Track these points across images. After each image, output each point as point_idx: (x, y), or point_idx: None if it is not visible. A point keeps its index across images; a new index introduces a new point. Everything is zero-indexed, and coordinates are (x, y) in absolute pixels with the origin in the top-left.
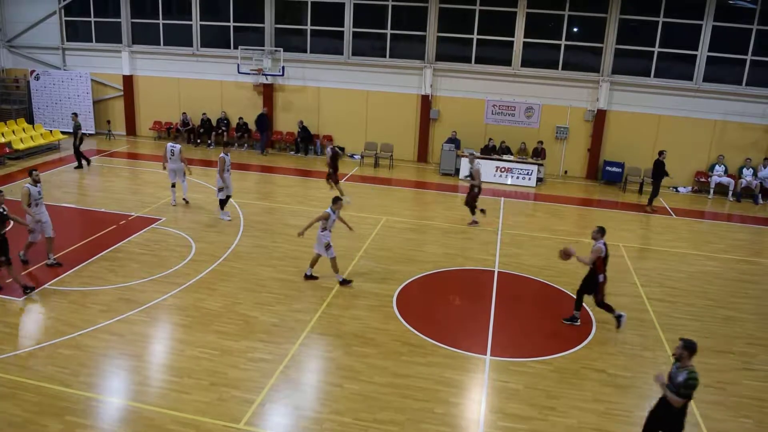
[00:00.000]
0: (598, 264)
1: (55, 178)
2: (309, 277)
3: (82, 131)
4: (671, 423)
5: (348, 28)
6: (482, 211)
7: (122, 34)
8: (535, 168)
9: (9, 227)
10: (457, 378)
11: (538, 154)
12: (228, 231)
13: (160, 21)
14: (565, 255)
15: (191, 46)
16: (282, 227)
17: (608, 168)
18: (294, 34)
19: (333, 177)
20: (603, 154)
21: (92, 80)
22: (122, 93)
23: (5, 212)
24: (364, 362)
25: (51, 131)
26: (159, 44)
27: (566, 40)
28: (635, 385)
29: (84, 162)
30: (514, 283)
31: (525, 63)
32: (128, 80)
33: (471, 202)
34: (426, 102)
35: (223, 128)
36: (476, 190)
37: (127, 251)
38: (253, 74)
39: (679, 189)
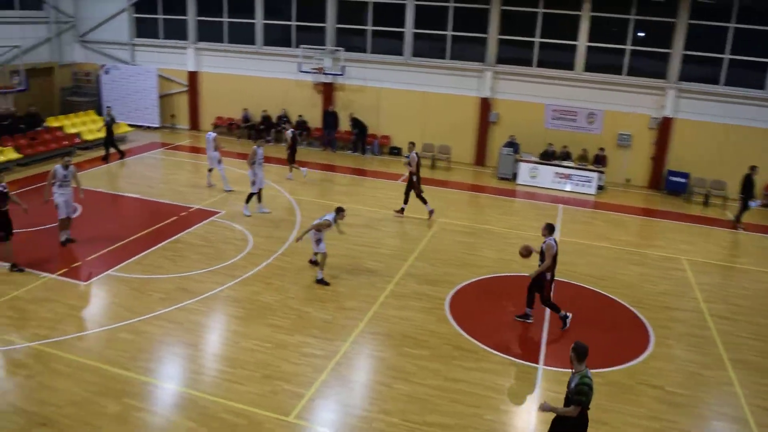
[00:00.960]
0: (550, 262)
1: (121, 170)
2: (321, 282)
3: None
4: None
5: (409, 28)
6: (402, 209)
7: (188, 31)
8: (595, 175)
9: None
10: (508, 385)
11: (599, 161)
12: (284, 226)
13: (225, 19)
14: (526, 252)
15: (254, 44)
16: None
17: (672, 178)
18: (355, 34)
19: (291, 159)
20: (667, 163)
21: (159, 75)
22: (187, 88)
23: (5, 191)
24: (415, 364)
25: (118, 123)
26: (223, 42)
27: (631, 44)
28: (693, 404)
29: (114, 152)
30: (570, 292)
31: (588, 67)
32: (193, 76)
33: (417, 191)
34: (485, 105)
35: (283, 125)
36: (414, 177)
37: (186, 242)
38: (314, 73)
39: (749, 203)
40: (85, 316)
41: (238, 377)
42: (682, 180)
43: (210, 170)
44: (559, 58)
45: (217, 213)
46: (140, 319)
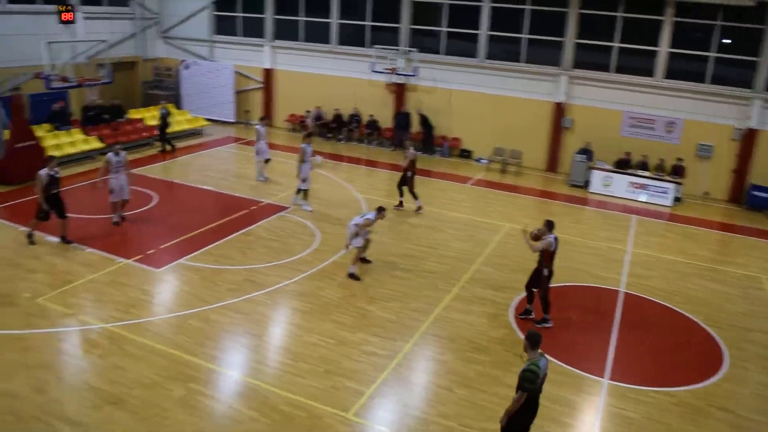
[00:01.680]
0: (546, 257)
1: (197, 162)
2: (352, 276)
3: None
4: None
5: (483, 31)
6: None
7: (265, 29)
8: (672, 186)
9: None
10: (571, 398)
11: (677, 171)
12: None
13: (301, 18)
14: (538, 232)
15: (329, 43)
16: (403, 225)
17: (755, 192)
18: (429, 35)
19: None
20: (750, 176)
21: (235, 72)
22: (262, 85)
23: (57, 175)
24: (476, 369)
25: (196, 117)
26: (299, 40)
27: (716, 51)
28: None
29: (168, 147)
30: (640, 305)
31: (669, 74)
32: (268, 73)
33: (410, 187)
34: (559, 110)
35: (354, 124)
36: (408, 173)
37: (256, 235)
38: (386, 73)
39: None
40: (157, 302)
41: (300, 370)
42: (766, 195)
43: (266, 161)
44: (638, 64)
45: (287, 208)
46: (209, 308)
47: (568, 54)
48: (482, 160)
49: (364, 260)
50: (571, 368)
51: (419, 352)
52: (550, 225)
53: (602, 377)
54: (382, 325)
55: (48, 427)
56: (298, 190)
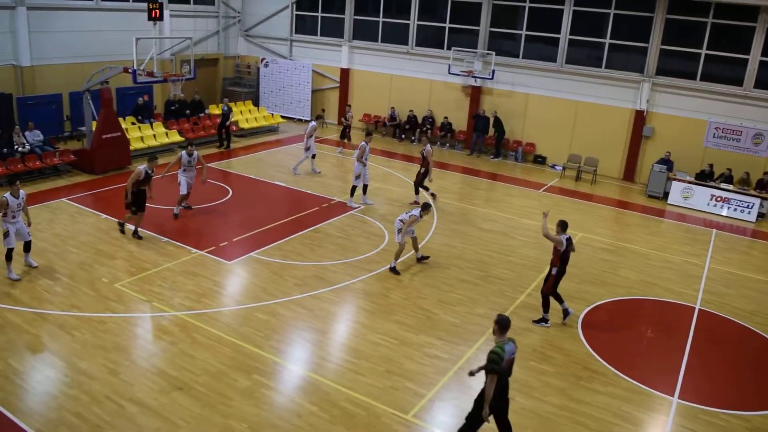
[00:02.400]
0: (555, 256)
1: (271, 158)
2: (393, 270)
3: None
4: (477, 400)
5: (564, 35)
6: (431, 194)
7: (344, 29)
8: (757, 201)
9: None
10: (638, 415)
11: (764, 186)
12: (421, 226)
13: (380, 19)
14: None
15: (406, 44)
16: (474, 230)
17: None
18: (507, 38)
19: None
20: None
21: (313, 71)
22: (338, 85)
23: (151, 173)
24: (540, 379)
25: (273, 115)
26: (376, 41)
27: None
28: None
29: (225, 143)
30: (717, 324)
31: (758, 84)
32: (345, 73)
33: (419, 181)
34: (640, 118)
35: (428, 126)
36: (422, 170)
37: (325, 233)
38: (463, 76)
39: None
40: (227, 293)
41: (362, 369)
42: None
43: (313, 156)
44: (726, 72)
45: (356, 207)
46: (276, 302)
47: (652, 60)
48: (556, 167)
49: (422, 258)
50: (639, 384)
51: (482, 358)
52: (563, 225)
53: (672, 396)
54: (446, 328)
55: (118, 407)
56: (354, 188)
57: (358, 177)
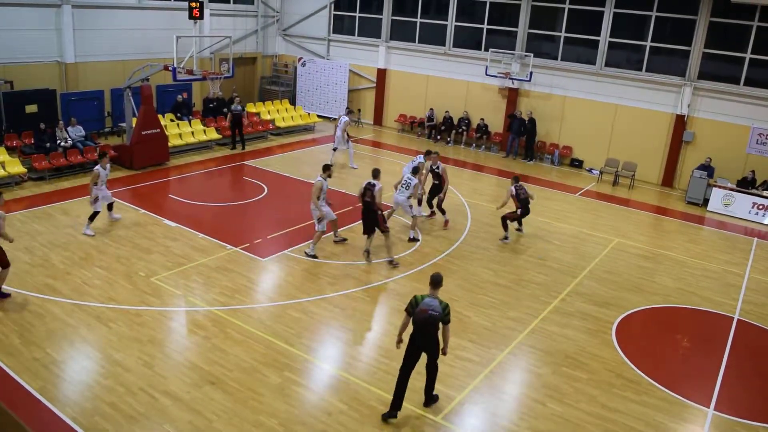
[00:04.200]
0: (515, 203)
1: (307, 157)
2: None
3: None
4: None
5: (604, 37)
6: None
7: (382, 29)
8: None
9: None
10: (672, 426)
11: None
12: (455, 228)
13: (418, 19)
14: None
15: (443, 45)
16: (509, 233)
17: None
18: (546, 40)
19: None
20: None
21: (350, 71)
22: (374, 85)
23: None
24: (572, 385)
25: (309, 114)
26: (414, 41)
27: None
28: None
29: (240, 145)
30: (756, 335)
31: None
32: (381, 73)
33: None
34: (680, 122)
35: (464, 127)
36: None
37: (358, 232)
38: (500, 77)
39: None
40: (260, 290)
41: (392, 369)
42: None
43: (334, 150)
44: None
45: (392, 208)
46: (308, 300)
47: (695, 64)
48: (593, 171)
49: (341, 240)
50: (673, 394)
51: (514, 362)
52: (515, 178)
53: (707, 407)
54: (477, 331)
55: (152, 399)
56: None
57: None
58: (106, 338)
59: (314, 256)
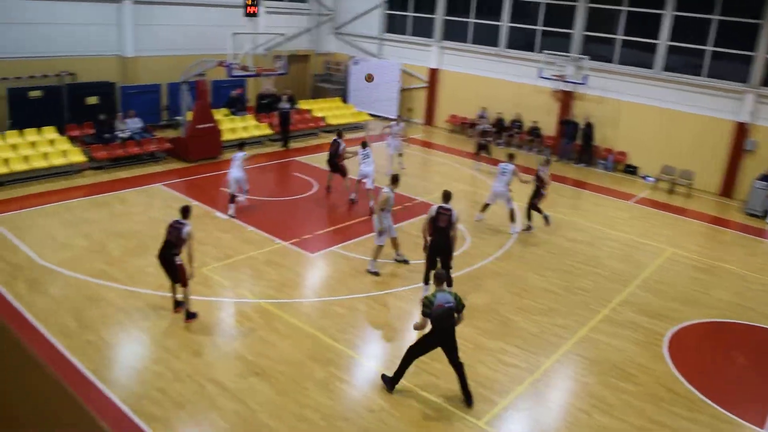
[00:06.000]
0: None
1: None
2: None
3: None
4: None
5: (663, 40)
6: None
7: (434, 29)
8: None
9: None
10: None
11: None
12: (503, 231)
13: (471, 20)
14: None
15: (497, 46)
16: (558, 238)
17: None
18: (602, 42)
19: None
20: None
21: (402, 70)
22: (426, 85)
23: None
24: (620, 397)
25: (360, 112)
26: (466, 42)
27: None
28: None
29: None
30: None
31: None
32: (433, 73)
33: (535, 206)
34: (742, 130)
35: (515, 130)
36: (538, 191)
37: (407, 232)
38: (554, 80)
39: None
40: (308, 285)
41: (435, 370)
42: None
43: (399, 155)
44: None
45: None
46: (354, 297)
47: (758, 70)
48: (648, 178)
49: (403, 260)
50: (726, 412)
51: (560, 370)
52: (546, 161)
53: (762, 428)
54: (524, 337)
55: (199, 387)
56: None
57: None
58: (157, 325)
59: (376, 273)
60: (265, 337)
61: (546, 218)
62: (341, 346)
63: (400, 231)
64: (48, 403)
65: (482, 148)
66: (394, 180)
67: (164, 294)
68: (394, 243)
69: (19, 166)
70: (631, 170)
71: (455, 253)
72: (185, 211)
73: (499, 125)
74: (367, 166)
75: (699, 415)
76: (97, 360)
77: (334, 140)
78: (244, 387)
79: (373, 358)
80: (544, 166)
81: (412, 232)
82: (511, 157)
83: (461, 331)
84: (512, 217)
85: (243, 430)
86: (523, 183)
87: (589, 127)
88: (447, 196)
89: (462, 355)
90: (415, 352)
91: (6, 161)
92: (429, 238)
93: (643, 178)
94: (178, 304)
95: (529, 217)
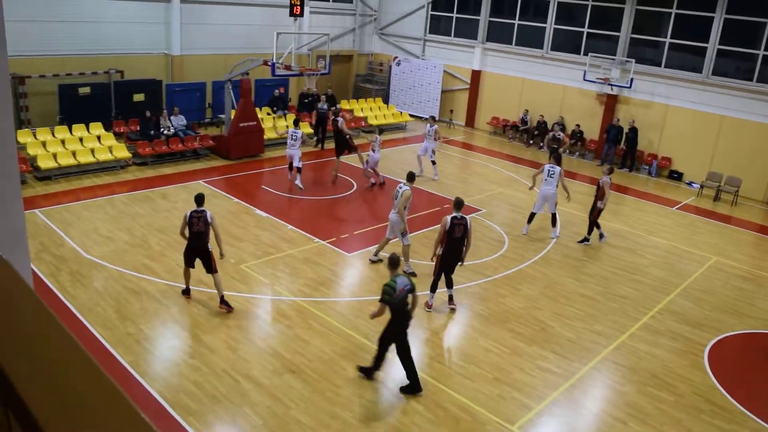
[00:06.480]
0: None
1: (397, 156)
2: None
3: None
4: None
5: (712, 44)
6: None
7: (478, 31)
8: None
9: None
10: None
11: None
12: (542, 235)
13: (516, 21)
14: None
15: (541, 48)
16: (598, 244)
17: None
18: (649, 45)
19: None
20: None
21: (444, 71)
22: (468, 86)
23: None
24: (657, 407)
25: (401, 113)
26: (510, 43)
27: None
28: None
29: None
30: None
31: None
32: (476, 75)
33: (595, 218)
34: None
35: (558, 133)
36: (598, 204)
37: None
38: (599, 83)
39: None
40: (344, 284)
41: (470, 373)
42: None
43: (433, 162)
44: None
45: (479, 210)
46: None
47: None
48: (693, 185)
49: (410, 271)
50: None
51: (596, 377)
52: (610, 170)
53: None
54: (560, 342)
55: (234, 382)
56: (554, 216)
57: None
58: (195, 320)
59: (413, 274)
60: (300, 334)
61: (601, 235)
62: (375, 345)
63: (433, 233)
64: (97, 399)
65: (555, 157)
66: (411, 177)
67: (202, 289)
68: (387, 242)
69: (67, 161)
70: (675, 176)
71: (480, 260)
72: (200, 199)
73: (541, 128)
74: (377, 153)
75: (739, 428)
76: (137, 353)
77: (333, 119)
78: (279, 383)
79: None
80: (607, 175)
81: None
82: (558, 160)
83: (497, 335)
84: (554, 222)
85: (276, 426)
86: (564, 188)
87: (633, 131)
88: (458, 205)
89: (498, 359)
90: (386, 340)
91: (54, 156)
92: (441, 249)
93: (688, 184)
94: (223, 301)
95: (591, 229)
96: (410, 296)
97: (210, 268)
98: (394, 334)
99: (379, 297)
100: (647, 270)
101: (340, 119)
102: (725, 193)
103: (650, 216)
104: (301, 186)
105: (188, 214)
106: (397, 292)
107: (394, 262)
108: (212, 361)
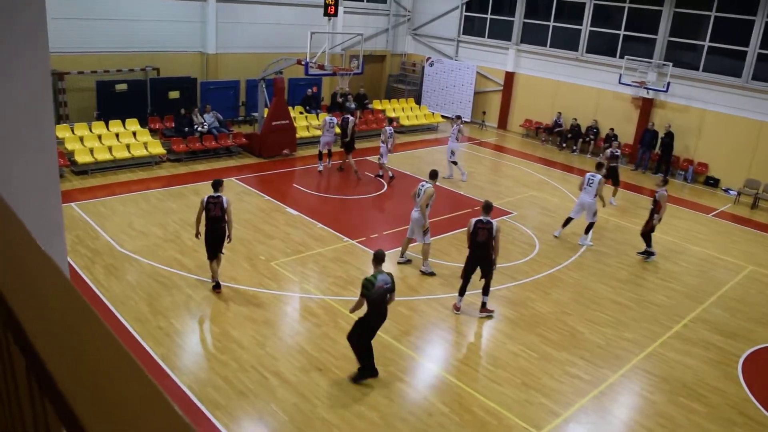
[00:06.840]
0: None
1: (429, 156)
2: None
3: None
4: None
5: (753, 48)
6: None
7: (513, 32)
8: None
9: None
10: None
11: None
12: (574, 240)
13: (551, 23)
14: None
15: (576, 50)
16: (631, 250)
17: None
18: (687, 49)
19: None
20: None
21: (477, 72)
22: (501, 88)
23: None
24: (688, 418)
25: (433, 114)
26: (545, 45)
27: None
28: None
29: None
30: None
31: None
32: (509, 76)
33: (649, 231)
34: None
35: (592, 137)
36: (654, 217)
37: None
38: (635, 86)
39: None
40: None
41: (497, 377)
42: None
43: (455, 163)
44: None
45: (510, 213)
46: (419, 298)
47: None
48: (730, 192)
49: (429, 272)
50: None
51: (626, 385)
52: (665, 181)
53: None
54: (590, 349)
55: (262, 378)
56: (590, 225)
57: (595, 213)
58: (225, 315)
59: (432, 274)
60: (328, 333)
61: (650, 254)
62: (402, 346)
63: (461, 234)
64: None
65: (612, 175)
66: (433, 175)
67: (232, 285)
68: (409, 242)
69: (103, 156)
70: (711, 183)
71: (511, 264)
72: (218, 185)
73: (575, 131)
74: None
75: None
76: (168, 346)
77: (344, 117)
78: (306, 381)
79: (435, 360)
80: (661, 186)
81: None
82: (599, 167)
83: (526, 340)
84: (588, 229)
85: (301, 423)
86: (601, 198)
87: (669, 136)
88: (487, 208)
89: (526, 364)
90: (364, 337)
91: (91, 151)
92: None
93: (725, 191)
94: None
95: (649, 241)
96: (388, 295)
97: (220, 249)
98: (369, 329)
99: (360, 292)
100: (681, 278)
101: (351, 119)
102: (763, 200)
103: (685, 223)
104: (357, 168)
105: (205, 199)
106: (376, 287)
107: (378, 258)
108: (240, 356)
